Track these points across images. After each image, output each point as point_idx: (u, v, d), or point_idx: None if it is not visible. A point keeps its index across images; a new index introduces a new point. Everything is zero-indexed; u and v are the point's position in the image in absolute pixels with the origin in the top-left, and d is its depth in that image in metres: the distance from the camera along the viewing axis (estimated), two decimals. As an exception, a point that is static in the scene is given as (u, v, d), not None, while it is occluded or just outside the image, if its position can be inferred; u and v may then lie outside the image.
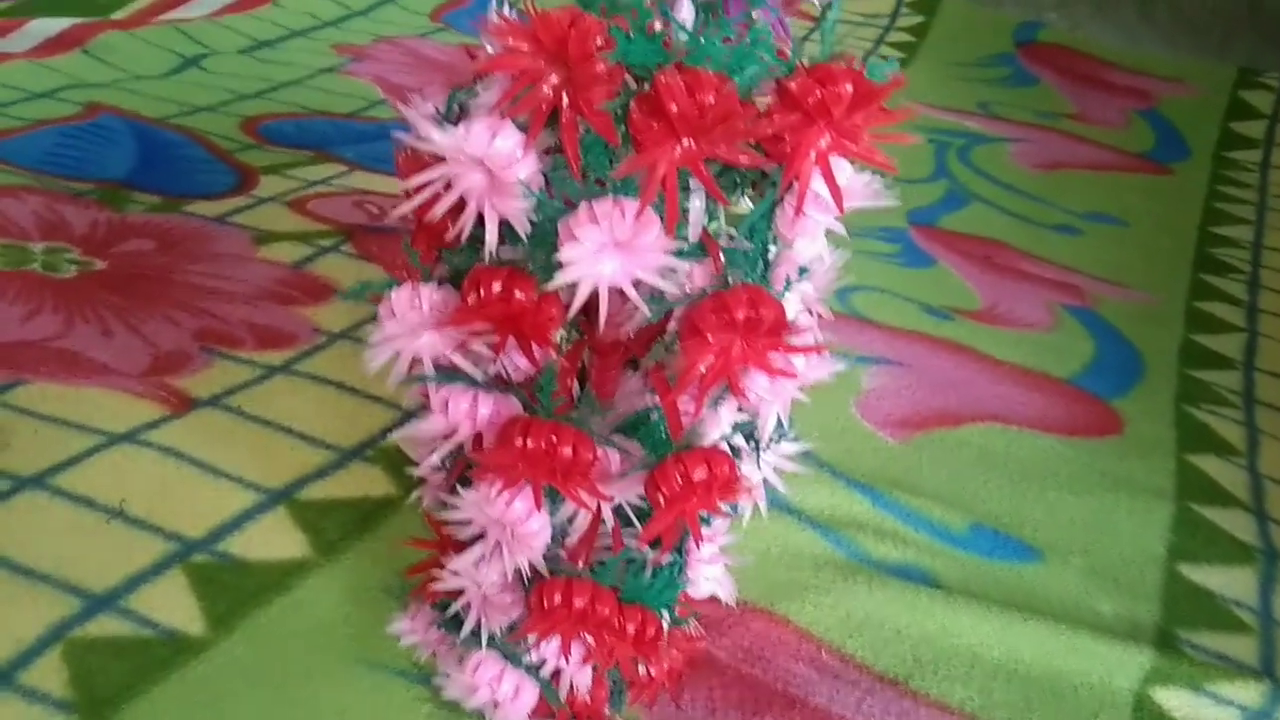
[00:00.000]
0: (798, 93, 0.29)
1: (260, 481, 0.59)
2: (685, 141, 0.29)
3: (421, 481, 0.47)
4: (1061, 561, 0.62)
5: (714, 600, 0.48)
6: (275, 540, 0.55)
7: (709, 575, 0.45)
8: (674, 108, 0.28)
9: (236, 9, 1.30)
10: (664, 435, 0.37)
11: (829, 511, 0.62)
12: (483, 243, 0.34)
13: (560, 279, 0.31)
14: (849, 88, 0.29)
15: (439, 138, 0.31)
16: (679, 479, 0.34)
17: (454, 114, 0.35)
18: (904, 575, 0.59)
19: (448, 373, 0.36)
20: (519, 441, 0.34)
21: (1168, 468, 0.72)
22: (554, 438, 0.34)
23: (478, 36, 0.34)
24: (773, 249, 0.35)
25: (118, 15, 1.25)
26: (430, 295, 0.35)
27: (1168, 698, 0.53)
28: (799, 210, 0.31)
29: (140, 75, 1.10)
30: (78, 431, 0.60)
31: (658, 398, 0.35)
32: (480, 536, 0.40)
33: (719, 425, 0.37)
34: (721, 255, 0.33)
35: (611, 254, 0.31)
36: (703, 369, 0.32)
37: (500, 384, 0.37)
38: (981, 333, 0.85)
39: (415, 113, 0.35)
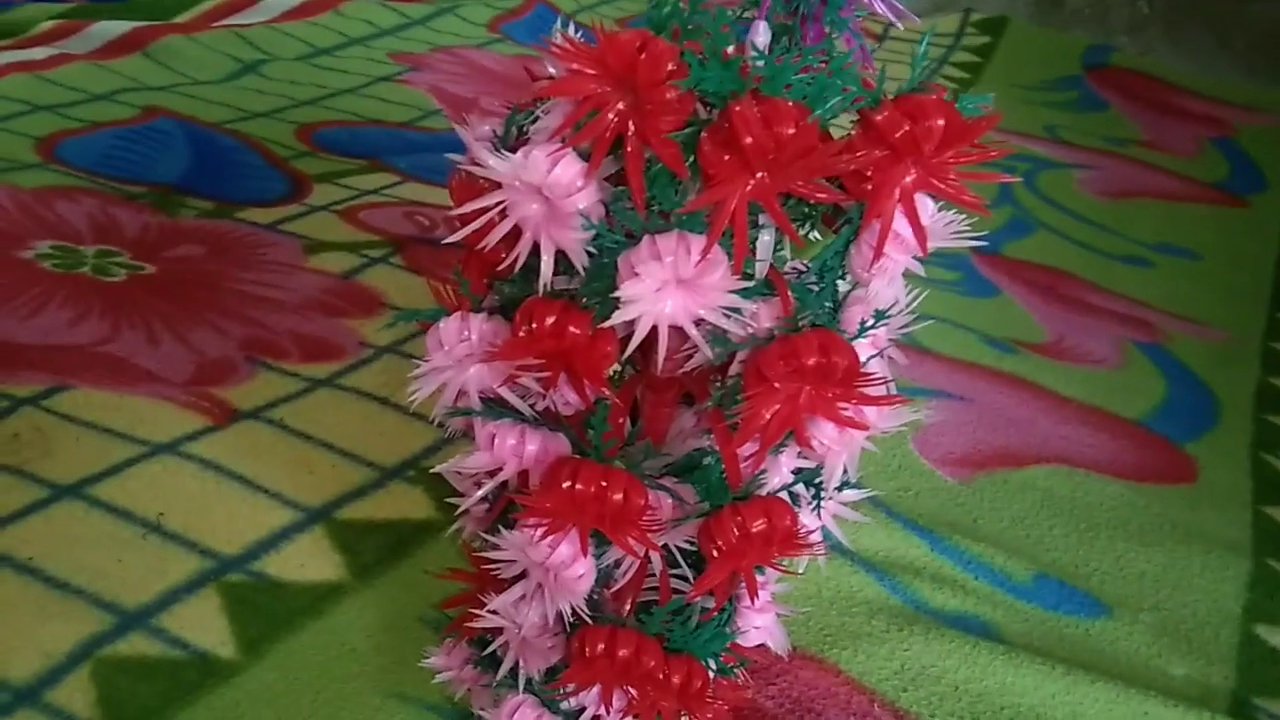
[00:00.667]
0: (884, 126, 0.27)
1: (299, 499, 0.58)
2: (759, 175, 0.27)
3: (463, 512, 0.45)
4: (1131, 618, 0.58)
5: (763, 648, 0.45)
6: (311, 561, 0.54)
7: (759, 624, 0.42)
8: (749, 140, 0.26)
9: (297, 15, 1.30)
10: (720, 480, 0.35)
11: (885, 554, 0.59)
12: (536, 272, 0.32)
13: (620, 317, 0.29)
14: (940, 122, 0.27)
15: (496, 164, 0.30)
16: (736, 531, 0.32)
17: (511, 137, 0.33)
18: (962, 626, 0.56)
19: (495, 407, 0.34)
20: (567, 484, 0.32)
21: (1244, 519, 0.68)
22: (604, 482, 0.32)
23: (535, 48, 0.32)
24: (842, 286, 0.33)
25: (180, 19, 1.26)
26: (480, 326, 0.33)
27: (1244, 771, 0.50)
28: (879, 252, 0.29)
29: (199, 80, 1.10)
30: (120, 440, 0.59)
31: (715, 442, 0.33)
32: (521, 576, 0.38)
33: (779, 473, 0.35)
34: (791, 295, 0.30)
35: (674, 291, 0.29)
36: (767, 417, 0.29)
37: (549, 420, 0.35)
38: (1046, 368, 0.81)
39: (471, 135, 0.34)
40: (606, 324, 0.30)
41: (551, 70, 0.32)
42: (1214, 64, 1.48)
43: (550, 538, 0.33)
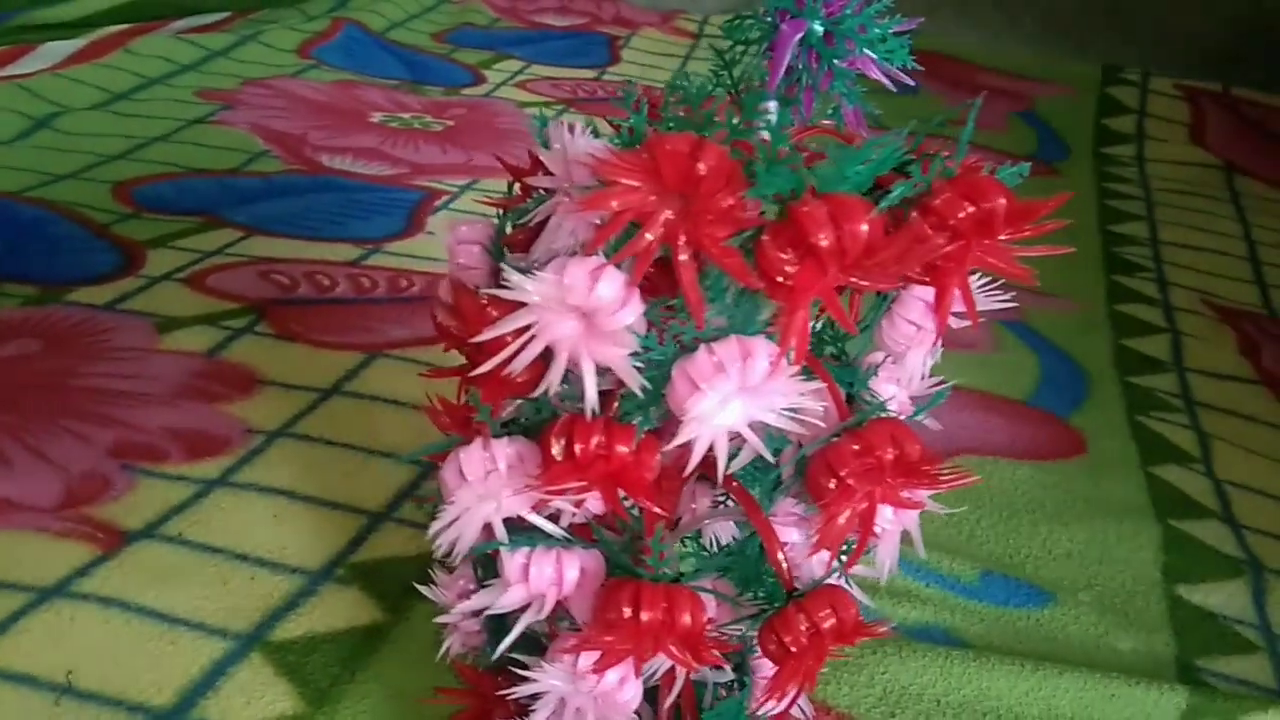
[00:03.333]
0: (944, 210, 0.26)
1: (224, 624, 0.52)
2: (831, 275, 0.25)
3: (441, 624, 0.41)
4: (1073, 600, 0.61)
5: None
6: (256, 696, 0.48)
7: (779, 692, 0.41)
8: (825, 241, 0.25)
9: (82, 58, 1.18)
10: (761, 572, 0.33)
11: (841, 577, 0.60)
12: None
13: (686, 435, 0.27)
14: (1002, 202, 0.26)
15: (530, 286, 0.27)
16: (805, 628, 0.30)
17: (500, 242, 0.30)
18: (928, 637, 0.57)
19: (524, 533, 0.31)
20: (629, 612, 0.29)
21: (1139, 483, 0.72)
22: (666, 604, 0.29)
23: (352, 71, 0.29)
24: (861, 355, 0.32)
25: (-58, 73, 1.12)
26: (506, 452, 0.30)
27: (1206, 735, 0.53)
28: (942, 329, 0.28)
29: (-17, 142, 0.98)
30: (-5, 590, 0.52)
31: (765, 543, 0.31)
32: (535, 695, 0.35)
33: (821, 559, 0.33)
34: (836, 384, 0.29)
35: (735, 399, 0.27)
36: (842, 520, 0.28)
37: (576, 536, 0.32)
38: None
39: (455, 240, 0.30)
40: (675, 444, 0.27)
41: (546, 160, 0.29)
42: (1003, 40, 1.58)
43: (604, 666, 0.31)
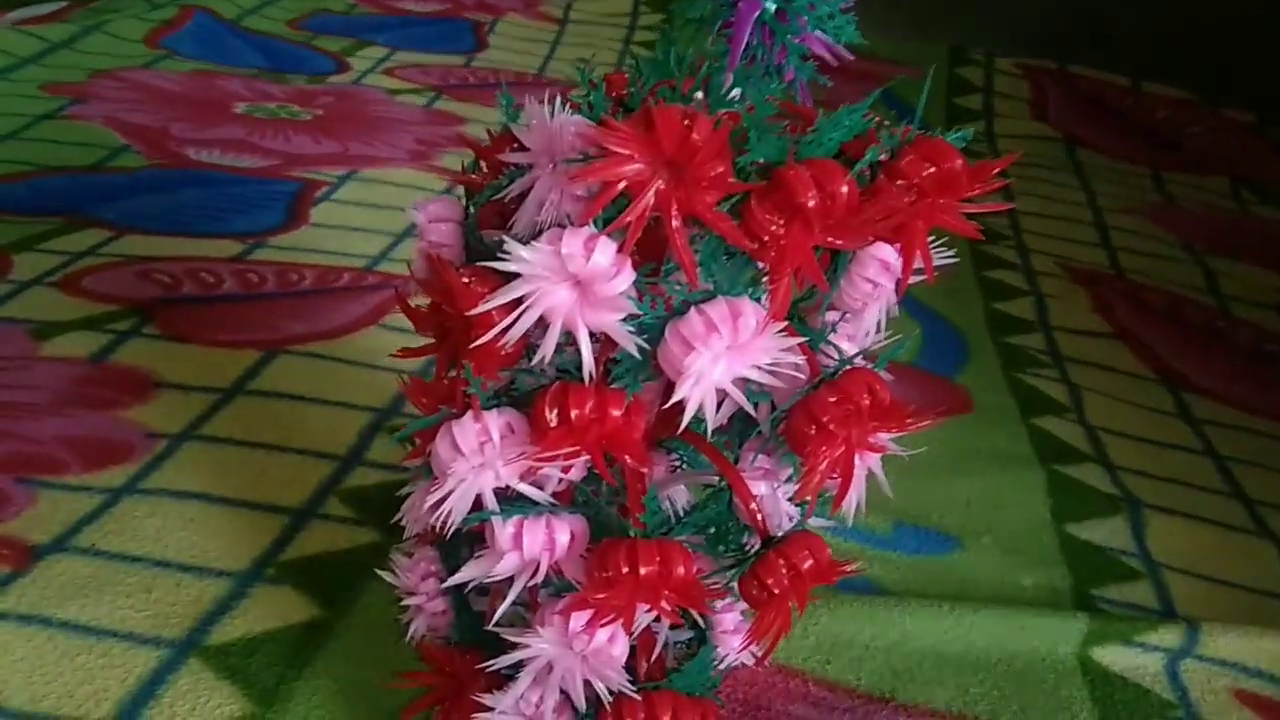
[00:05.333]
0: (908, 170, 0.28)
1: (156, 633, 0.50)
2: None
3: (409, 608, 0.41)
4: (976, 545, 0.65)
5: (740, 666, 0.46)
6: (201, 702, 0.47)
7: (735, 645, 0.43)
8: (812, 202, 0.26)
9: (-92, 51, 1.09)
10: (730, 527, 0.35)
11: (767, 539, 0.62)
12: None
13: (681, 392, 0.28)
14: (959, 164, 0.28)
15: (528, 256, 0.27)
16: (786, 572, 0.32)
17: (472, 217, 0.31)
18: (852, 588, 0.60)
19: (514, 502, 0.32)
20: (626, 569, 0.30)
21: (1021, 434, 0.78)
22: (661, 558, 0.31)
23: (207, 60, 0.29)
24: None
25: None
26: (499, 423, 0.30)
27: (1104, 655, 0.58)
28: (905, 283, 0.30)
29: None
30: (-107, 619, 0.48)
31: (735, 493, 0.33)
32: (518, 665, 0.36)
33: (781, 505, 0.35)
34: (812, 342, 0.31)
35: (723, 357, 0.28)
36: (825, 463, 0.30)
37: (561, 502, 0.33)
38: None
39: (424, 215, 0.31)
40: (676, 398, 0.28)
41: (521, 136, 0.30)
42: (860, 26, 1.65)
43: (598, 625, 0.32)
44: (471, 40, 1.45)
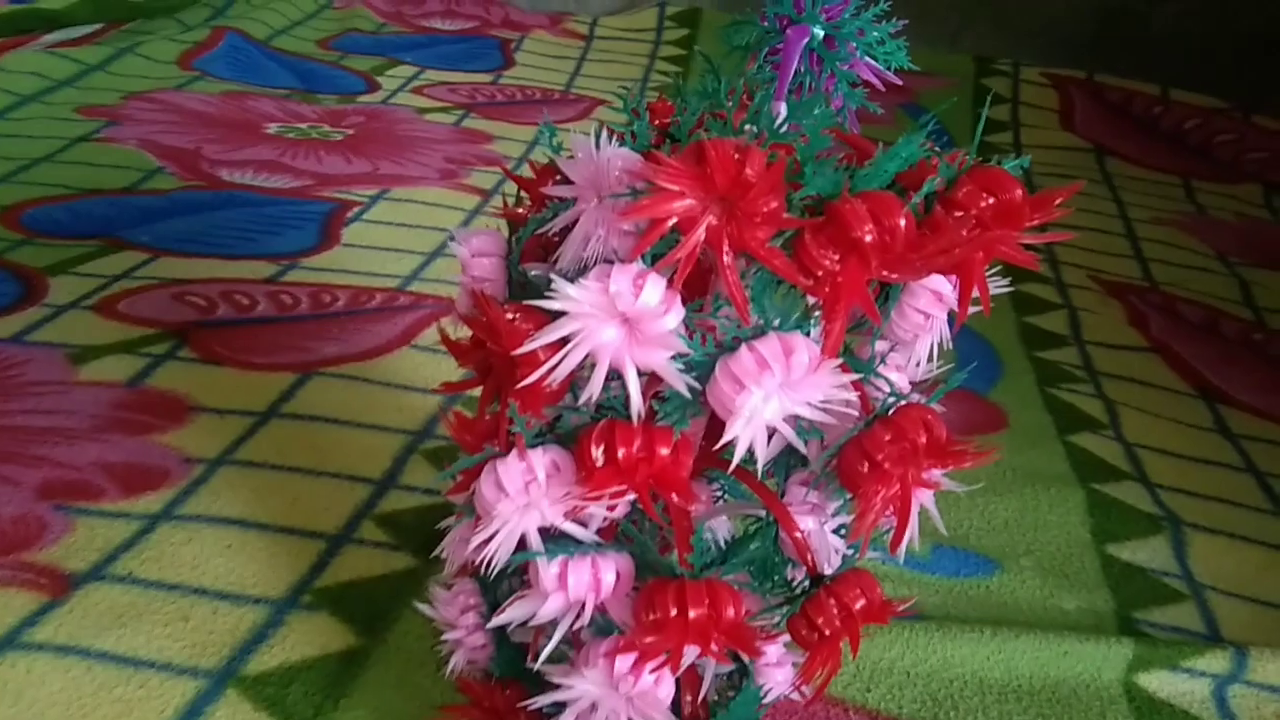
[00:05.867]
0: (965, 201, 0.28)
1: (194, 663, 0.50)
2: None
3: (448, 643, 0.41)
4: (1016, 567, 0.64)
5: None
6: (239, 732, 0.47)
7: (780, 677, 0.42)
8: (869, 237, 0.26)
9: (-56, 76, 1.10)
10: (776, 563, 0.34)
11: (804, 562, 0.61)
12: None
13: (732, 432, 0.28)
14: (1019, 194, 0.28)
15: (576, 294, 0.27)
16: (837, 611, 0.31)
17: (516, 251, 0.30)
18: (891, 613, 0.59)
19: (558, 541, 0.31)
20: (674, 611, 0.30)
21: (1058, 452, 0.77)
22: (710, 599, 0.30)
23: (239, 81, 0.29)
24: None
25: None
26: (544, 461, 0.30)
27: (1150, 681, 0.57)
28: (963, 316, 0.30)
29: None
30: (-65, 649, 0.48)
31: (785, 533, 0.32)
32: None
33: (829, 541, 0.35)
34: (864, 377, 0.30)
35: (775, 395, 0.28)
36: (880, 502, 0.29)
37: (605, 540, 0.33)
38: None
39: (467, 251, 0.30)
40: (721, 441, 0.28)
41: (567, 169, 0.30)
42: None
43: (644, 667, 0.31)
44: (499, 58, 1.45)
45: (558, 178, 0.30)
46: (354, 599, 0.55)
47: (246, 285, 0.82)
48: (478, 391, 0.33)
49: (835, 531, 0.36)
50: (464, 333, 0.34)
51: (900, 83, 0.33)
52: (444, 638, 0.39)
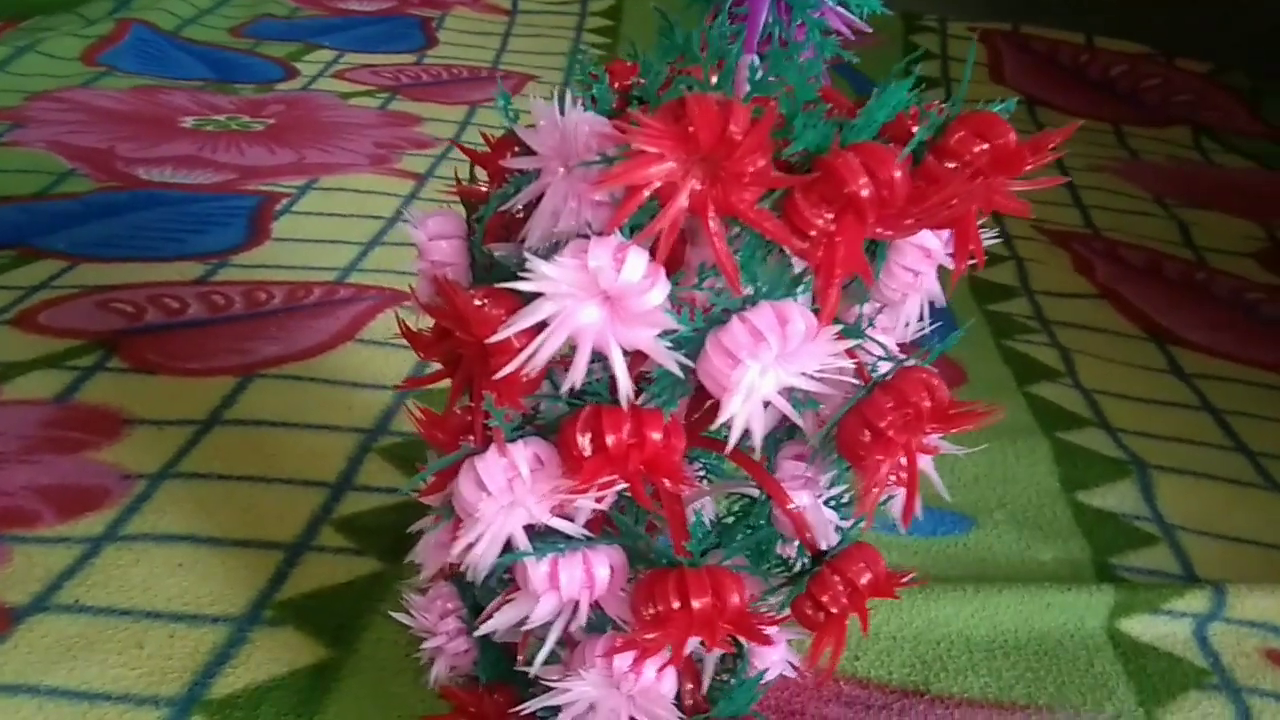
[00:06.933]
0: (959, 149, 0.26)
1: (154, 691, 0.47)
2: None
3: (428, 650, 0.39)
4: (990, 522, 0.64)
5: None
6: (208, 761, 0.44)
7: (776, 657, 0.41)
8: (865, 191, 0.24)
9: None
10: (768, 539, 0.33)
11: (781, 534, 0.60)
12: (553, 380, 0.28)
13: (729, 411, 0.26)
14: (1013, 138, 0.26)
15: (552, 272, 0.25)
16: (843, 588, 0.30)
17: (479, 231, 0.28)
18: (872, 579, 0.58)
19: (544, 538, 0.29)
20: (677, 603, 0.28)
21: (1019, 403, 0.77)
22: (714, 588, 0.28)
23: (149, 75, 0.26)
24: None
25: None
26: (527, 456, 0.28)
27: (1133, 626, 0.57)
28: (959, 271, 0.28)
29: None
30: None
31: (779, 509, 0.31)
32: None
33: (825, 515, 0.33)
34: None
35: (772, 368, 0.26)
36: (886, 470, 0.28)
37: (592, 530, 0.31)
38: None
39: (424, 233, 0.28)
40: (718, 421, 0.26)
41: (529, 139, 0.27)
42: None
43: (646, 663, 0.29)
44: (421, 37, 1.41)
45: (518, 149, 0.28)
46: (319, 610, 0.52)
47: (175, 288, 0.78)
48: (446, 383, 0.31)
49: (827, 503, 0.35)
50: (425, 322, 0.32)
51: (870, 30, 0.31)
52: (423, 646, 0.37)
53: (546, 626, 0.30)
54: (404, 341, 0.31)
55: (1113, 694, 0.52)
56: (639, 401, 0.28)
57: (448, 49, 1.38)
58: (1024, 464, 0.70)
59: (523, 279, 0.25)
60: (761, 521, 0.33)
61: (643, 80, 0.29)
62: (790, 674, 0.42)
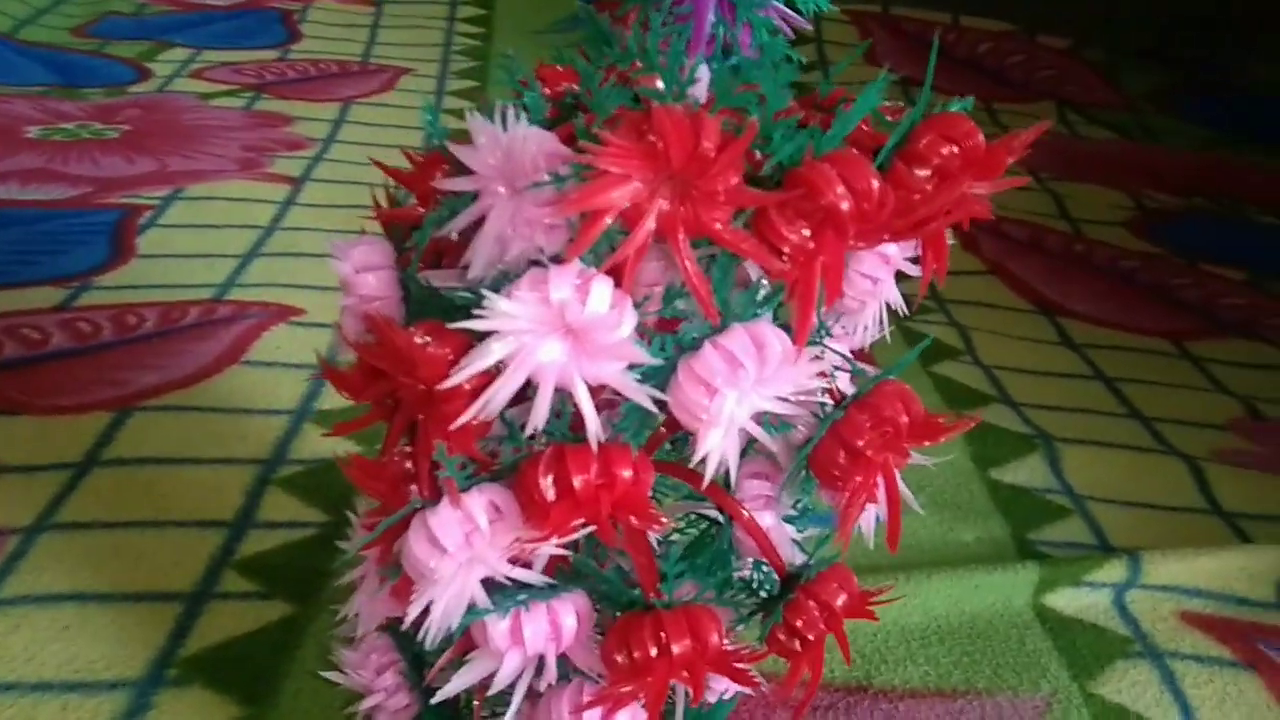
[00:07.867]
0: (927, 152, 0.25)
1: (49, 774, 0.42)
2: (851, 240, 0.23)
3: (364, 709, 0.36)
4: (908, 506, 0.64)
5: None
6: (120, 847, 0.40)
7: (730, 676, 0.40)
8: (845, 204, 0.22)
9: None
10: (729, 564, 0.31)
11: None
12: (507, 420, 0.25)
13: (705, 447, 0.24)
14: (981, 140, 0.25)
15: (511, 309, 0.22)
16: (819, 612, 0.29)
17: (415, 260, 0.26)
18: (805, 576, 0.58)
19: (504, 590, 0.27)
20: (654, 650, 0.26)
21: (925, 384, 0.78)
22: (692, 629, 0.26)
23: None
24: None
25: None
26: (483, 506, 0.25)
27: (1057, 600, 0.58)
28: (926, 281, 0.27)
29: None
30: None
31: (752, 538, 0.29)
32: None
33: (788, 533, 0.32)
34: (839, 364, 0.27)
35: (749, 395, 0.24)
36: (865, 491, 0.26)
37: (547, 574, 0.28)
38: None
39: (349, 265, 0.25)
40: (697, 456, 0.24)
41: (468, 158, 0.25)
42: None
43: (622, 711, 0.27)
44: (282, 31, 1.33)
45: (449, 168, 0.26)
46: (229, 664, 0.48)
47: (34, 316, 0.72)
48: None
49: (786, 520, 0.34)
50: (349, 360, 0.29)
51: (809, 27, 0.30)
52: (361, 706, 0.34)
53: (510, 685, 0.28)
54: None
55: (1046, 671, 0.53)
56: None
57: (313, 43, 1.31)
58: (938, 445, 0.70)
59: (476, 316, 0.22)
60: (723, 544, 0.31)
61: (576, 87, 0.27)
62: (765, 689, 0.41)
